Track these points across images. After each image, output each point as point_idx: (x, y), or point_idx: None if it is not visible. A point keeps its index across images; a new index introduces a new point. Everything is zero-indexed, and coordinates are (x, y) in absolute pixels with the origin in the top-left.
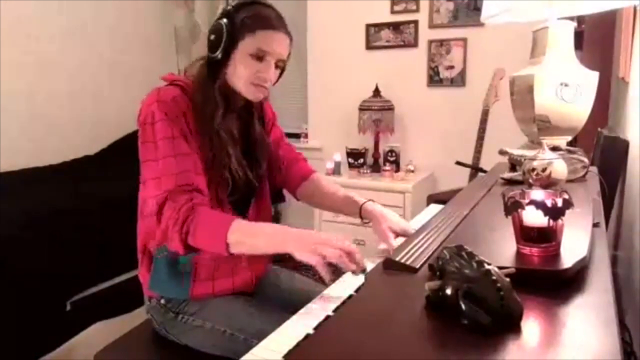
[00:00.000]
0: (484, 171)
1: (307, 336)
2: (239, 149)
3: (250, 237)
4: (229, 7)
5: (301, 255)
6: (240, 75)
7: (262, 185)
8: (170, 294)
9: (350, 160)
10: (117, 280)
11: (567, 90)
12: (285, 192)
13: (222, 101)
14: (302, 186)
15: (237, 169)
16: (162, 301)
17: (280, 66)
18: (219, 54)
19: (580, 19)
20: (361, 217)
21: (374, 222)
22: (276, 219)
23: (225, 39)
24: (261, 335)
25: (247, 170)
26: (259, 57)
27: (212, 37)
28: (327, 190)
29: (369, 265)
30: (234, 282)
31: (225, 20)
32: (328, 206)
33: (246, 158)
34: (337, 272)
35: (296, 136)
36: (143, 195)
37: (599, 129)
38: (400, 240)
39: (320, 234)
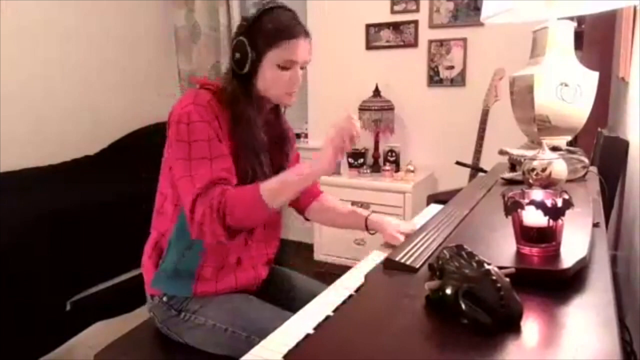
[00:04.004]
0: (484, 171)
1: (307, 336)
2: (268, 156)
3: (283, 190)
4: (244, 20)
5: (330, 165)
6: (272, 86)
7: None
8: (174, 291)
9: (350, 160)
10: (117, 280)
11: (567, 90)
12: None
13: (257, 110)
14: (312, 206)
15: (262, 177)
16: (165, 299)
17: (304, 66)
18: (246, 71)
19: (580, 19)
20: (367, 228)
21: (381, 230)
22: None
23: (250, 56)
24: (263, 334)
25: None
26: (287, 67)
27: (237, 55)
28: (334, 209)
29: (373, 262)
30: (237, 281)
31: (247, 36)
32: (337, 223)
33: (271, 164)
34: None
35: (296, 136)
36: (164, 191)
37: (599, 129)
38: None
39: (326, 145)
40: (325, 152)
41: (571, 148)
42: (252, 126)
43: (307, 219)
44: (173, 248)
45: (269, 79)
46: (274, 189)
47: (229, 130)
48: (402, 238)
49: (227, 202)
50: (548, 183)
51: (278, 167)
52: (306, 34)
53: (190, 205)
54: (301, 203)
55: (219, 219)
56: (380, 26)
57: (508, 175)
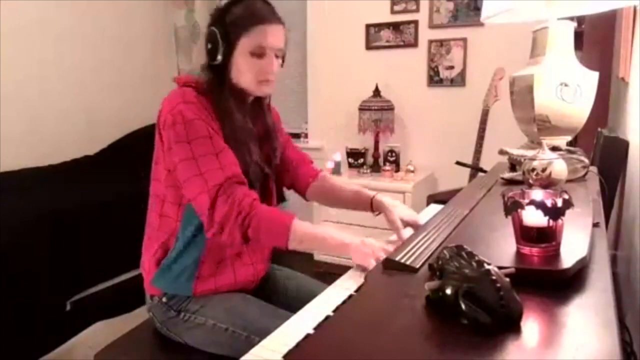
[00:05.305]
0: (484, 171)
1: (307, 336)
2: (256, 144)
3: (310, 240)
4: (216, 10)
5: (358, 261)
6: (245, 75)
7: (270, 185)
8: (174, 289)
9: (350, 160)
10: (117, 280)
11: (567, 90)
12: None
13: (235, 101)
14: (312, 186)
15: (255, 165)
16: (164, 299)
17: (280, 55)
18: (218, 60)
19: (580, 19)
20: (372, 209)
21: (385, 212)
22: None
23: (221, 44)
24: (263, 334)
25: (264, 165)
26: (259, 53)
27: (209, 45)
28: (337, 188)
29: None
30: (236, 278)
31: (217, 25)
32: (340, 203)
33: (261, 152)
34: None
35: (296, 136)
36: (160, 194)
37: (599, 129)
38: (410, 230)
39: (373, 242)
40: (366, 257)
41: (571, 148)
42: (232, 116)
43: (307, 199)
44: (178, 245)
45: (242, 67)
46: (304, 234)
47: (218, 122)
48: (402, 231)
49: (255, 217)
50: (548, 183)
51: (267, 159)
52: (278, 20)
53: (208, 203)
54: (300, 184)
55: (241, 226)
56: (380, 26)
57: (508, 175)
